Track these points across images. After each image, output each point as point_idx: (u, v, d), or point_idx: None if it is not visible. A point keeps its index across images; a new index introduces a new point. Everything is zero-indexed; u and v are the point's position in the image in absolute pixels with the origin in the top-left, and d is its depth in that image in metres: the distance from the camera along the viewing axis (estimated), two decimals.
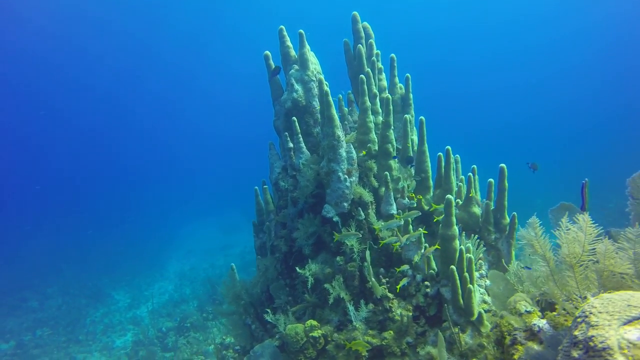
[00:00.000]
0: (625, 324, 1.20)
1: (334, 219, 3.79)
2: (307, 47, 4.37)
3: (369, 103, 4.04)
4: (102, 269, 14.68)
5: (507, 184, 3.73)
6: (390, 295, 3.47)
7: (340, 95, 4.81)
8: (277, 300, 4.10)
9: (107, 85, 40.69)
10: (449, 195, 3.05)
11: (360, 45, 4.45)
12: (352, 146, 3.87)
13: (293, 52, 4.42)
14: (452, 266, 2.97)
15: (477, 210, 3.82)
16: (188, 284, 12.86)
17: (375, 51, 4.67)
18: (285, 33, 4.41)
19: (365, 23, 4.73)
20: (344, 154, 3.81)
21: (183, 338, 8.12)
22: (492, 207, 3.84)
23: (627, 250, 1.74)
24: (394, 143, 4.02)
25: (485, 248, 3.71)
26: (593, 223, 1.83)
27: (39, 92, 37.35)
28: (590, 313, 1.27)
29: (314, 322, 3.44)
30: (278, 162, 4.49)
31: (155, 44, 38.81)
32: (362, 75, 4.03)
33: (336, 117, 3.72)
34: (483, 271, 3.67)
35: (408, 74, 4.67)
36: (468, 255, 3.01)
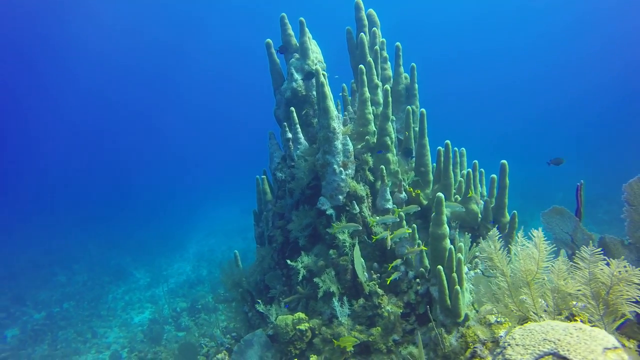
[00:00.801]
0: (536, 359, 1.11)
1: (327, 212, 3.76)
2: (308, 35, 4.28)
3: (368, 94, 3.94)
4: (126, 249, 15.29)
5: (507, 181, 3.58)
6: (379, 291, 3.43)
7: (344, 85, 4.71)
8: (272, 290, 4.13)
9: (148, 80, 42.16)
10: (439, 193, 2.95)
11: (362, 33, 4.31)
12: (348, 138, 3.80)
13: (294, 41, 4.34)
14: (439, 266, 2.89)
15: (475, 207, 3.69)
16: (205, 265, 13.19)
17: (379, 39, 4.52)
18: (286, 21, 4.33)
19: (371, 10, 4.58)
20: (340, 146, 3.74)
21: (193, 319, 8.39)
22: (493, 205, 3.70)
23: (582, 269, 1.61)
24: (393, 136, 3.91)
25: (477, 246, 3.58)
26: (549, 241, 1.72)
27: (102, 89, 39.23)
28: (509, 345, 1.20)
29: (302, 315, 3.45)
30: (278, 152, 4.46)
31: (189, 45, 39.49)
32: (361, 65, 3.92)
33: (332, 108, 3.65)
34: (478, 270, 3.56)
35: (413, 64, 4.52)
36: (458, 255, 2.92)
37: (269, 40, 4.41)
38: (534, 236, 1.79)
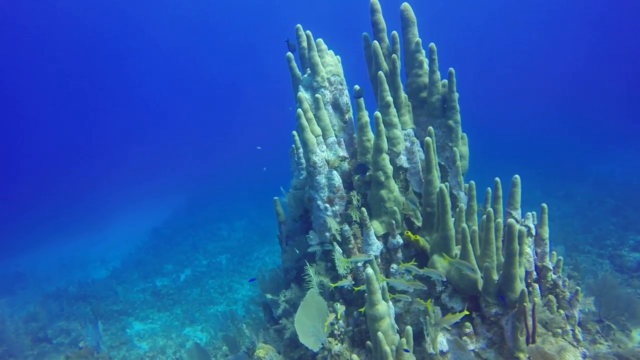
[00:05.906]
0: None
1: (309, 250, 3.52)
2: (319, 48, 3.88)
3: (366, 118, 3.38)
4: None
5: (517, 247, 2.60)
6: (336, 347, 3.10)
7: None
8: (275, 311, 4.19)
9: None
10: (368, 269, 2.41)
11: (376, 41, 3.63)
12: (334, 172, 3.40)
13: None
14: (353, 355, 2.42)
15: (471, 274, 2.83)
16: None
17: (415, 40, 3.72)
18: (301, 32, 3.99)
19: (406, 4, 3.77)
20: (324, 180, 3.40)
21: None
22: (495, 274, 2.78)
23: None
24: (388, 170, 3.28)
25: (441, 324, 2.77)
26: None
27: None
28: None
29: (262, 353, 3.42)
30: (296, 172, 4.32)
31: None
32: (356, 86, 3.38)
33: (312, 140, 3.31)
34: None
35: (451, 68, 3.59)
36: (385, 348, 2.38)
37: (289, 53, 4.17)
38: None
